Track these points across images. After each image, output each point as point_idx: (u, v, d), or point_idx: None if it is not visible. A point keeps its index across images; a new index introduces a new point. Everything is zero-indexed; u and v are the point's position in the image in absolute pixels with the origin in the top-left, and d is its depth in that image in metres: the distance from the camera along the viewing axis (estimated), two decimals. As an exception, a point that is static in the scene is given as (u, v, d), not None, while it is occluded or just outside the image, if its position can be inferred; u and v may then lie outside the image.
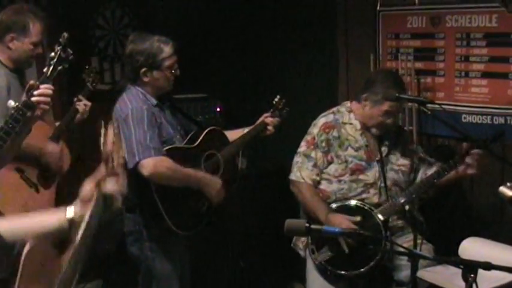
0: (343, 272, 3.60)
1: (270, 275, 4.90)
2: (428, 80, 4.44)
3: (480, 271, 2.06)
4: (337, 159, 3.73)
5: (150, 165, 3.20)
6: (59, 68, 3.56)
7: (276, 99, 3.90)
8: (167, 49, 3.41)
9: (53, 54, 3.54)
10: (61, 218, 2.07)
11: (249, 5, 5.37)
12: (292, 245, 3.88)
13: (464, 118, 4.24)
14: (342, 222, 3.51)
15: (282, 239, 3.28)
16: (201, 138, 3.53)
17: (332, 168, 3.73)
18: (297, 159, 3.80)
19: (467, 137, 3.86)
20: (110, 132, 2.08)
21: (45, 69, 3.52)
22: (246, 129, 3.79)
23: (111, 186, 2.05)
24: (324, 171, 3.74)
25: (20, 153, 3.43)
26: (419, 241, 3.30)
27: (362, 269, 3.54)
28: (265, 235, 4.76)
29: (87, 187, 2.09)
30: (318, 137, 3.74)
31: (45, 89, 2.98)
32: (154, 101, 3.43)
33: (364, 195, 3.70)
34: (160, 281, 3.46)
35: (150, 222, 3.38)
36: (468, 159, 3.59)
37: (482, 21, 4.10)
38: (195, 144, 3.49)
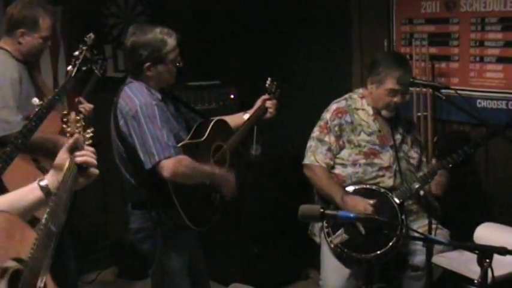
0: (359, 254, 3.59)
1: (284, 262, 4.92)
2: (443, 65, 4.41)
3: (495, 256, 2.06)
4: (348, 144, 3.73)
5: (170, 166, 3.09)
6: (83, 68, 3.59)
7: (268, 82, 3.76)
8: (171, 41, 3.26)
9: (77, 53, 3.56)
10: (34, 188, 2.09)
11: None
12: (308, 232, 3.88)
13: (479, 103, 4.21)
14: (358, 204, 3.51)
15: (296, 226, 3.29)
16: (208, 130, 3.41)
17: (345, 153, 3.73)
18: (311, 143, 3.79)
19: (483, 123, 3.84)
20: (72, 115, 2.22)
21: (69, 68, 3.55)
22: (247, 113, 3.68)
23: (83, 155, 2.13)
24: (337, 156, 3.74)
25: (36, 145, 3.45)
26: (434, 226, 3.31)
27: (378, 252, 3.53)
28: (279, 222, 4.77)
29: (61, 155, 2.14)
30: (331, 122, 3.74)
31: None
32: (159, 95, 3.30)
33: (379, 179, 3.71)
34: (173, 276, 3.40)
35: (164, 219, 3.28)
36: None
37: (497, 6, 4.05)
38: (204, 138, 3.37)
